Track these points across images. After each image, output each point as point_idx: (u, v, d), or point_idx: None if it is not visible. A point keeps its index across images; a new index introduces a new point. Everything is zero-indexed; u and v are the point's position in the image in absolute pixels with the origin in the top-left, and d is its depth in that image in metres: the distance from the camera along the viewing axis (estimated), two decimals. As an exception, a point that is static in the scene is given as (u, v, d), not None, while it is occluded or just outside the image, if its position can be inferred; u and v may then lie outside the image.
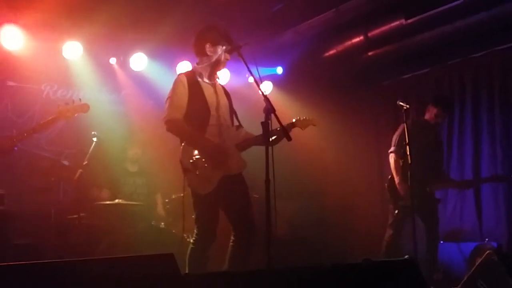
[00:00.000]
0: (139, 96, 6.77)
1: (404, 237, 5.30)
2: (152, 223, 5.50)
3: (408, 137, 4.79)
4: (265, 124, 3.65)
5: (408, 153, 4.71)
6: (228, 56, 4.15)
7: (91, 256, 4.74)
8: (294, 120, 4.21)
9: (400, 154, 5.24)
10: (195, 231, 4.11)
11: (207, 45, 4.17)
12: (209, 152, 3.92)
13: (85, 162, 5.21)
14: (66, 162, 5.85)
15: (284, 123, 3.77)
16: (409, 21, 5.70)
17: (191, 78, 4.13)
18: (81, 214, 5.08)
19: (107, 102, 6.54)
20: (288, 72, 7.02)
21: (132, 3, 5.39)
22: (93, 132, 5.40)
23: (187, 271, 4.00)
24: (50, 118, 4.06)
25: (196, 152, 3.97)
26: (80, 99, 4.16)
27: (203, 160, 3.93)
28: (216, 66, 4.18)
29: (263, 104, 3.60)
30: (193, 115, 4.03)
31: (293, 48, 6.48)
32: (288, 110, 5.50)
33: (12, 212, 5.11)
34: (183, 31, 6.03)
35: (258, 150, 3.89)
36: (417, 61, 6.70)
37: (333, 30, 6.23)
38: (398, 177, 5.32)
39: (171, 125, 4.00)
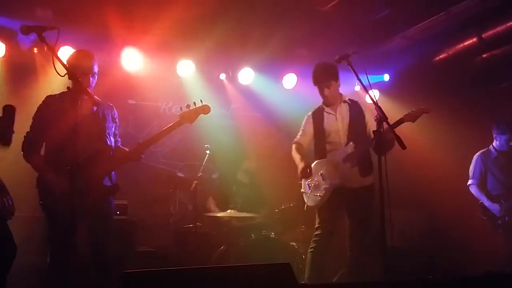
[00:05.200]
0: (247, 109, 6.96)
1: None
2: (263, 233, 5.60)
3: None
4: (377, 133, 3.62)
5: None
6: None
7: (206, 264, 4.94)
8: (400, 118, 4.11)
9: None
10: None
11: None
12: None
13: (200, 174, 5.44)
14: (181, 174, 6.18)
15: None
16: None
17: None
18: (197, 224, 5.30)
19: (218, 116, 6.79)
20: (395, 79, 6.86)
21: (240, 21, 5.58)
22: (206, 145, 5.63)
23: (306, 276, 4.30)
24: (173, 123, 3.94)
25: None
26: (201, 100, 4.02)
27: None
28: None
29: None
30: None
31: (401, 54, 6.33)
32: (398, 117, 5.36)
33: (135, 221, 5.47)
34: (289, 44, 6.15)
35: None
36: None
37: (443, 33, 5.99)
38: None
39: None
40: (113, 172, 3.87)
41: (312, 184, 4.48)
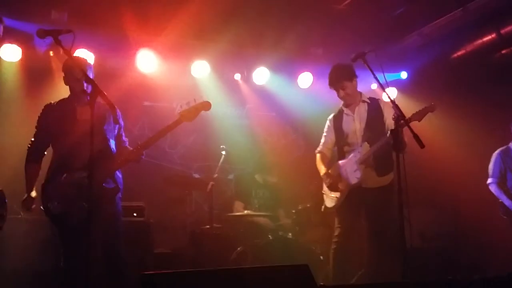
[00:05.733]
0: (263, 109, 6.93)
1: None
2: (280, 234, 5.57)
3: None
4: (395, 132, 3.57)
5: None
6: None
7: (223, 265, 4.93)
8: (408, 117, 4.03)
9: None
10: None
11: None
12: None
13: (216, 175, 5.43)
14: (197, 175, 6.17)
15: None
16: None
17: None
18: (214, 225, 5.28)
19: (233, 116, 6.78)
20: (413, 76, 6.77)
21: (255, 21, 5.55)
22: (221, 146, 5.61)
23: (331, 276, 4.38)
24: (172, 122, 3.86)
25: None
26: (202, 97, 3.90)
27: None
28: None
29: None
30: None
31: (418, 51, 6.25)
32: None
33: (152, 223, 5.47)
34: (304, 43, 6.11)
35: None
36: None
37: (461, 30, 5.89)
38: None
39: None
40: (119, 174, 3.87)
41: (330, 185, 4.48)
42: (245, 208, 5.53)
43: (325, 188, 4.58)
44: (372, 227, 4.38)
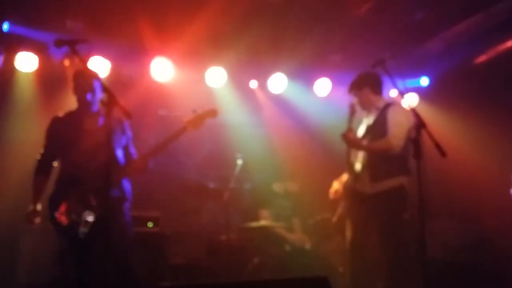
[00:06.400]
0: (279, 117, 6.83)
1: None
2: (297, 245, 5.46)
3: None
4: (416, 141, 3.45)
5: None
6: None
7: (240, 277, 4.84)
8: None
9: None
10: None
11: None
12: None
13: (232, 184, 5.35)
14: (212, 185, 6.09)
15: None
16: None
17: None
18: (230, 236, 5.20)
19: (249, 124, 6.69)
20: (434, 83, 6.63)
21: (272, 27, 5.48)
22: (237, 155, 5.53)
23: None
24: (177, 130, 3.93)
25: None
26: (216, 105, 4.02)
27: None
28: None
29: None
30: None
31: (439, 57, 6.11)
32: (437, 122, 5.17)
33: (167, 233, 5.42)
34: (322, 50, 6.01)
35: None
36: None
37: (483, 34, 5.74)
38: None
39: None
40: (127, 185, 3.87)
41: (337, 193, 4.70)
42: (270, 216, 5.46)
43: None
44: (379, 237, 4.31)
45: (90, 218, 3.54)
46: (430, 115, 5.94)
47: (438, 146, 3.35)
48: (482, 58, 6.08)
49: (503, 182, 6.23)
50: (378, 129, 4.36)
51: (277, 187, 5.94)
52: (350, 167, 4.45)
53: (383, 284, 4.46)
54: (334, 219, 4.80)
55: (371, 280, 4.46)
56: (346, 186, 4.60)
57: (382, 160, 4.23)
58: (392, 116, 4.29)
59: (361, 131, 4.52)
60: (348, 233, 4.43)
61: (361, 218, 4.37)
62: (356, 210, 4.39)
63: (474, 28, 5.61)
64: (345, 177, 4.68)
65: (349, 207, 4.47)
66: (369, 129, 4.44)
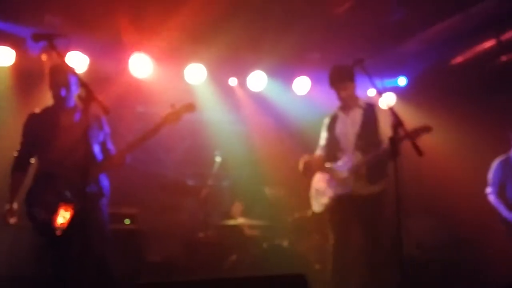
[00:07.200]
0: (258, 114, 6.84)
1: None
2: (275, 242, 5.48)
3: None
4: (392, 140, 3.49)
5: None
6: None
7: (217, 274, 4.84)
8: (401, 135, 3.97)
9: None
10: None
11: None
12: None
13: (210, 182, 5.35)
14: (190, 182, 6.08)
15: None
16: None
17: None
18: (208, 233, 5.20)
19: (228, 122, 6.69)
20: (412, 83, 6.71)
21: (252, 24, 5.47)
22: (215, 152, 5.53)
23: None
24: (155, 125, 3.89)
25: None
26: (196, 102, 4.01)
27: None
28: None
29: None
30: None
31: (417, 57, 6.19)
32: (414, 122, 5.22)
33: (145, 230, 5.39)
34: (302, 48, 6.03)
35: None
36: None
37: (460, 36, 5.83)
38: None
39: None
40: (105, 181, 3.84)
41: (319, 190, 4.51)
42: (243, 211, 5.45)
43: (312, 192, 4.58)
44: (364, 236, 4.33)
45: (67, 214, 3.51)
46: (407, 115, 6.02)
47: (415, 145, 3.38)
48: (459, 59, 6.17)
49: (478, 181, 6.35)
50: (370, 133, 4.35)
51: (255, 185, 5.96)
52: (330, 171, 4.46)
53: (360, 283, 4.52)
54: (309, 212, 4.79)
55: (351, 278, 4.51)
56: (320, 164, 4.54)
57: (378, 163, 4.26)
58: (385, 121, 4.27)
59: (344, 128, 4.46)
60: (332, 232, 4.44)
61: (349, 219, 4.37)
62: (346, 211, 4.34)
63: (452, 29, 5.70)
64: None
65: (334, 206, 4.40)
66: (361, 131, 4.37)
